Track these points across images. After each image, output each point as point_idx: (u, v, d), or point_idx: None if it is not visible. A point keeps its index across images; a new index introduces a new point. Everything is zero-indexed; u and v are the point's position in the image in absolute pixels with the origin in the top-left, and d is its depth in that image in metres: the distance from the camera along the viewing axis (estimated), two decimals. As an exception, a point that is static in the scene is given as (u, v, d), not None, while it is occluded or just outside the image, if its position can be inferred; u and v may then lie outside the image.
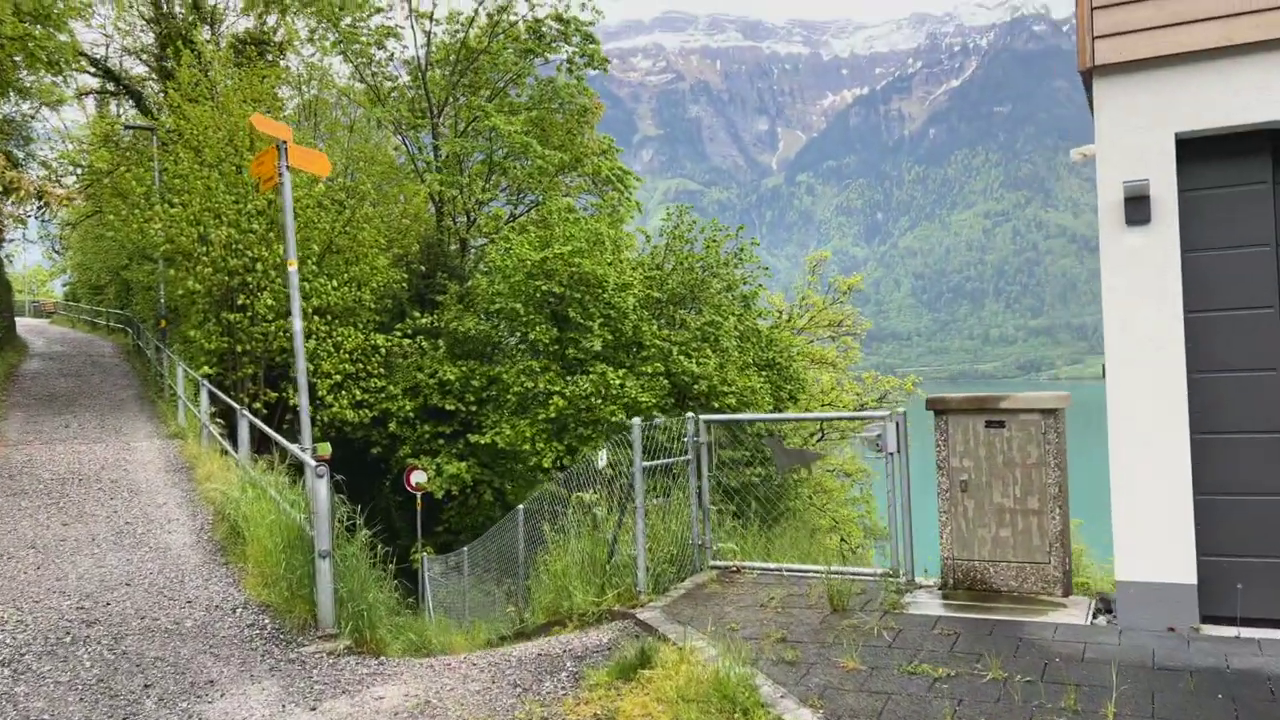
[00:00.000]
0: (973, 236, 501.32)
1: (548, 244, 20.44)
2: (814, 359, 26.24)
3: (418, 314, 21.86)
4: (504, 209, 25.92)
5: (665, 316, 21.39)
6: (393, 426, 20.58)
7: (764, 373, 21.22)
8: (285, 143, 8.69)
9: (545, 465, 19.35)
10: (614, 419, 18.91)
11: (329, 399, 19.26)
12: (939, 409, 7.06)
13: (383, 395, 20.41)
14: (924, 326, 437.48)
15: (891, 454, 7.36)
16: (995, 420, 6.88)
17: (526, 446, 19.39)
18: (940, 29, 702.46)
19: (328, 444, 9.27)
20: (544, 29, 25.75)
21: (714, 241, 21.58)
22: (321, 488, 7.15)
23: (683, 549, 8.20)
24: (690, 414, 8.12)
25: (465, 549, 15.62)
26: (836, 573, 7.29)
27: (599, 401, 19.21)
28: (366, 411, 20.06)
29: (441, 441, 20.98)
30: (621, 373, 19.32)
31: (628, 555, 7.78)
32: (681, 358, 19.59)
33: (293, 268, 8.88)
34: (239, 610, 7.66)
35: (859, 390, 31.81)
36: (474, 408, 20.88)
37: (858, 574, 7.42)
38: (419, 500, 20.82)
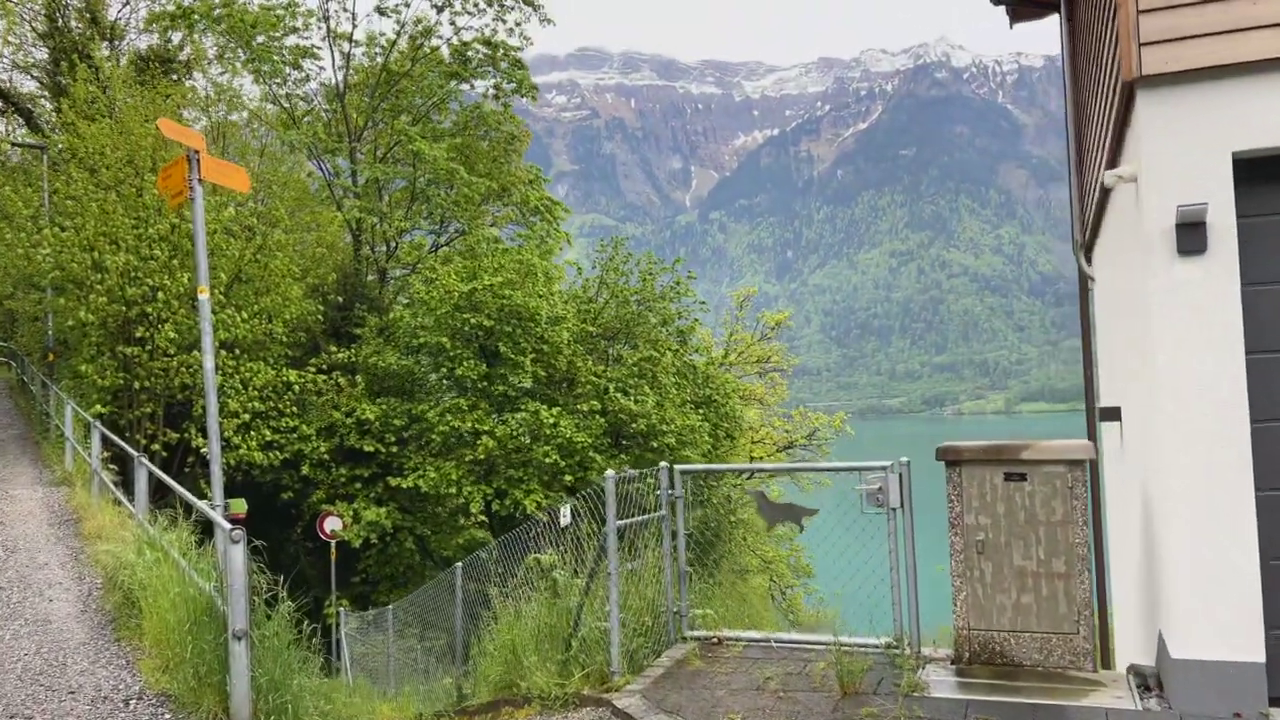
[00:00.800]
0: (879, 275, 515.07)
1: (475, 275, 19.38)
2: (742, 395, 25.65)
3: (334, 348, 20.50)
4: (426, 238, 24.74)
5: (599, 352, 20.49)
6: (306, 469, 19.12)
7: (700, 410, 20.45)
8: (197, 153, 7.56)
9: (474, 510, 18.17)
10: (548, 460, 17.88)
11: (236, 440, 17.74)
12: (951, 459, 6.31)
13: (295, 436, 18.95)
14: (833, 362, 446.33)
15: (894, 509, 6.60)
16: (1015, 473, 6.15)
17: (452, 490, 18.17)
18: (847, 74, 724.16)
19: (242, 501, 8.06)
20: (470, 53, 24.82)
21: (649, 274, 20.81)
22: (238, 555, 6.00)
23: (655, 618, 7.27)
24: (664, 464, 7.22)
25: (390, 608, 14.33)
26: (836, 645, 6.43)
27: (531, 442, 18.15)
28: (277, 453, 18.58)
29: (359, 485, 19.59)
30: (555, 411, 18.31)
31: (595, 628, 6.80)
32: (618, 395, 18.69)
33: (204, 295, 7.71)
34: (133, 702, 6.42)
35: (789, 427, 31.37)
36: (394, 449, 19.58)
37: (858, 646, 6.58)
38: (334, 549, 19.36)
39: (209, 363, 7.79)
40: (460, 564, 10.92)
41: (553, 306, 19.51)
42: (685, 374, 20.49)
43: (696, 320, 21.61)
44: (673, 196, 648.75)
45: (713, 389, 21.26)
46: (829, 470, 6.55)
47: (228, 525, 6.22)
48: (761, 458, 29.26)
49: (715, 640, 7.05)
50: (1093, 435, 11.01)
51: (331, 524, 19.15)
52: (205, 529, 8.13)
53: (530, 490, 17.99)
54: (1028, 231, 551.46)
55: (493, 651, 7.69)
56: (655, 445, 18.39)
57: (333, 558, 19.42)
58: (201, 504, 7.23)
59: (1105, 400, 10.54)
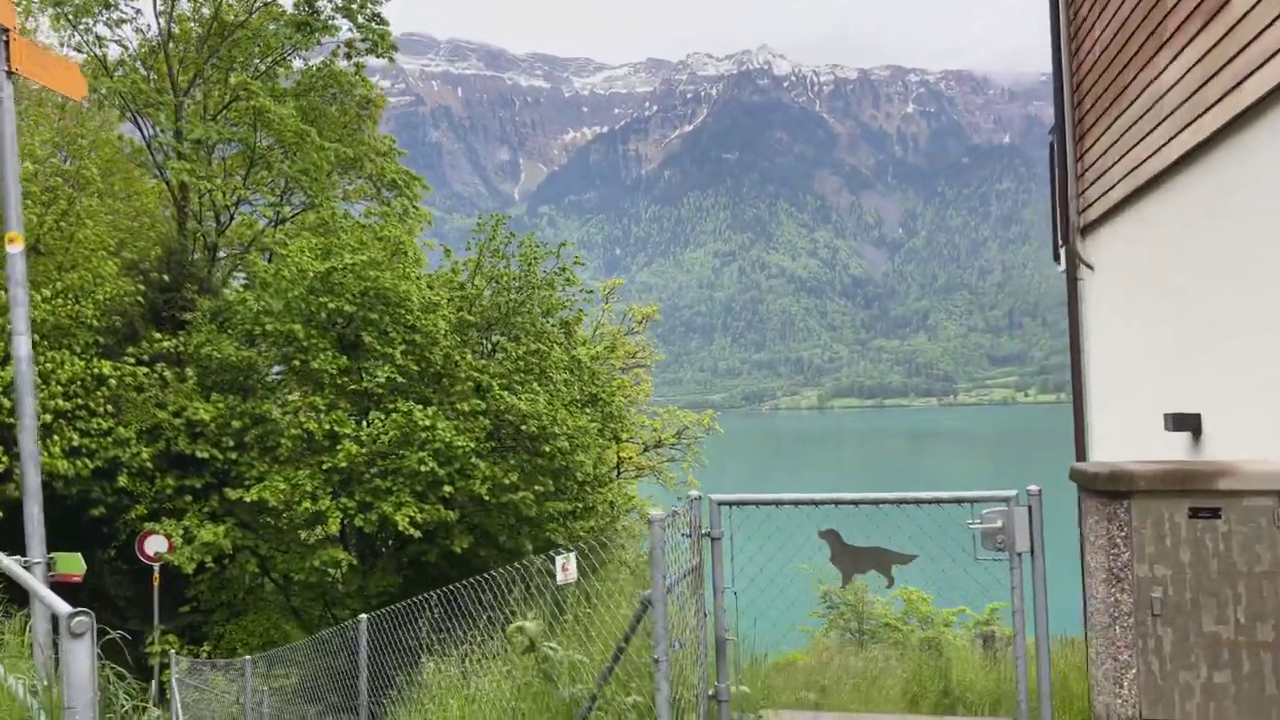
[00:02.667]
0: (703, 274, 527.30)
1: (332, 252, 16.70)
2: (625, 393, 23.94)
3: (157, 335, 17.26)
4: (269, 209, 21.56)
5: (472, 345, 18.19)
6: (123, 480, 15.89)
7: (588, 410, 18.54)
8: (7, 31, 5.04)
9: (332, 531, 15.57)
10: (423, 468, 15.49)
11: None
12: (1113, 489, 4.72)
13: (109, 440, 15.70)
14: (659, 358, 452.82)
15: (1020, 554, 4.98)
16: (1206, 508, 4.63)
17: (305, 504, 15.48)
18: (675, 76, 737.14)
19: (78, 557, 5.53)
20: (319, 3, 21.83)
21: (532, 259, 18.66)
22: (81, 658, 3.67)
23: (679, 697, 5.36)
24: (696, 494, 5.29)
25: (249, 659, 11.64)
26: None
27: (403, 447, 15.71)
28: (86, 461, 15.31)
29: (190, 498, 16.51)
30: (431, 411, 15.93)
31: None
32: (504, 393, 16.51)
33: (15, 246, 5.18)
34: None
35: (656, 425, 29.90)
36: (233, 455, 16.62)
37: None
38: (157, 574, 16.24)
39: (22, 346, 5.26)
40: (365, 617, 8.60)
41: (425, 291, 17.09)
42: (573, 369, 18.50)
43: (581, 311, 19.69)
44: (501, 188, 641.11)
45: (598, 386, 19.38)
46: (930, 502, 4.71)
47: (66, 609, 3.85)
48: (631, 457, 27.62)
49: (771, 732, 5.21)
50: (1081, 439, 9.92)
51: (154, 544, 16.03)
52: (12, 595, 5.58)
53: (402, 503, 15.54)
54: (840, 236, 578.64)
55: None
56: (547, 450, 16.33)
57: (155, 584, 16.28)
58: (9, 561, 4.74)
59: (1102, 404, 9.42)
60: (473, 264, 18.74)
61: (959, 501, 5.07)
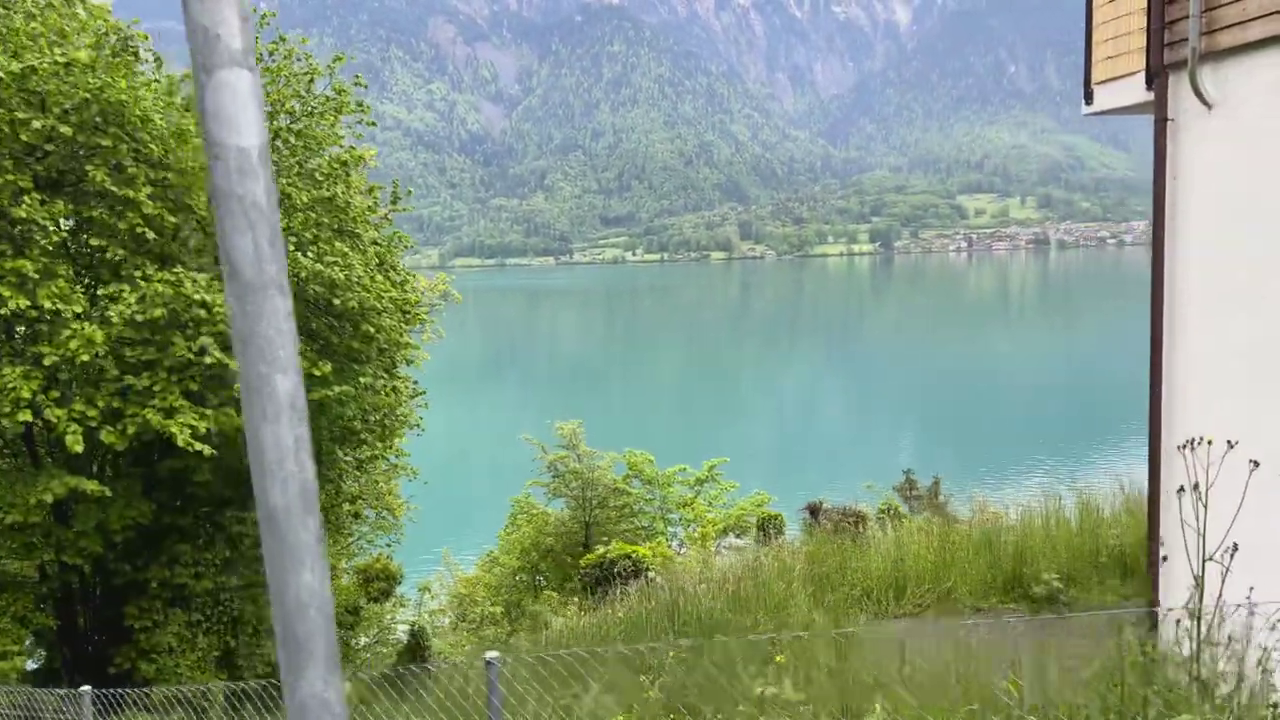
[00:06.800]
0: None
1: (25, 47, 11.18)
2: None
3: None
4: None
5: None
6: None
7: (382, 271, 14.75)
8: None
9: (74, 449, 10.88)
10: (207, 360, 11.16)
11: None
12: None
13: None
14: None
15: None
16: None
17: (22, 415, 10.62)
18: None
19: None
20: None
21: (310, 74, 14.01)
22: None
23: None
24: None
25: None
26: None
27: (168, 330, 11.23)
28: None
29: None
30: (205, 279, 11.48)
31: None
32: (299, 255, 12.35)
33: None
34: None
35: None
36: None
37: None
38: None
39: None
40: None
41: (178, 112, 12.16)
42: (363, 219, 14.46)
43: (367, 149, 15.34)
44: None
45: (383, 242, 15.54)
46: None
47: None
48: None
49: None
50: (1158, 338, 8.37)
51: None
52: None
53: (173, 407, 11.15)
54: (457, 89, 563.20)
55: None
56: (368, 330, 12.58)
57: None
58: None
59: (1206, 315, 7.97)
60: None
61: None
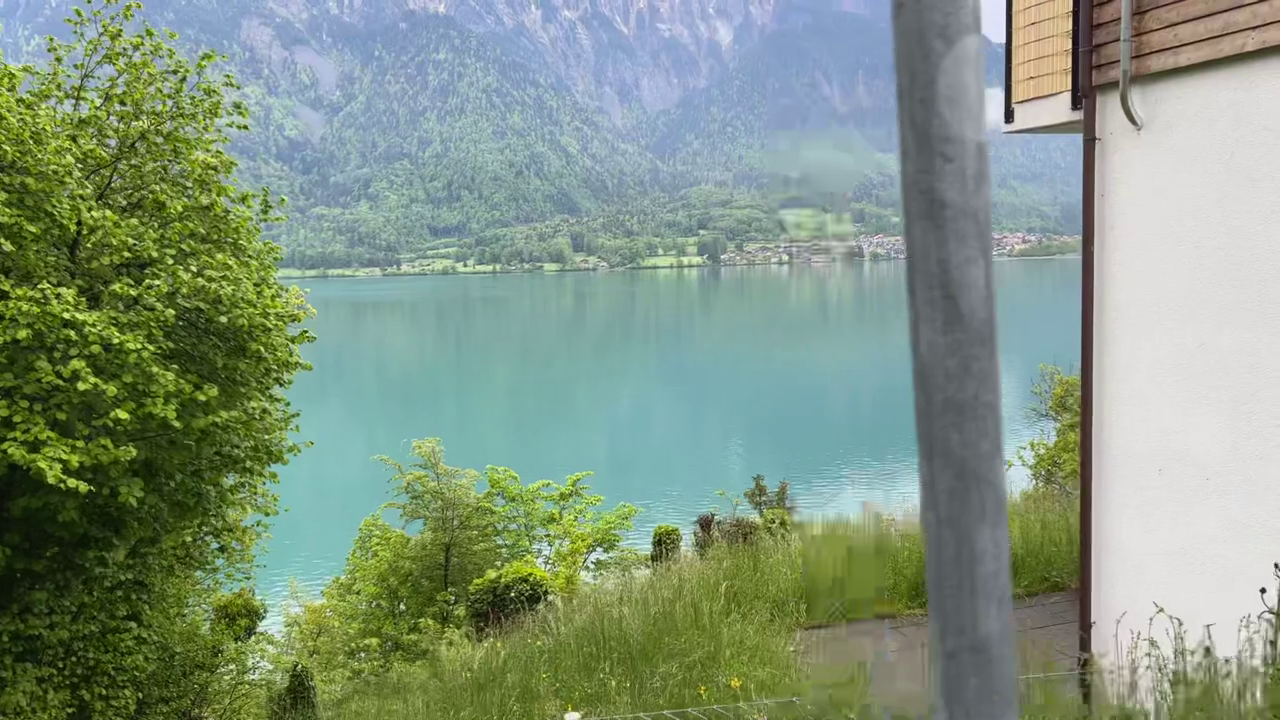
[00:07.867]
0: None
1: None
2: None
3: None
4: None
5: (109, 199, 12.22)
6: None
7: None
8: None
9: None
10: (79, 387, 9.95)
11: None
12: None
13: None
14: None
15: None
16: None
17: None
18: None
19: None
20: None
21: (180, 71, 12.80)
22: None
23: None
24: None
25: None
26: None
27: (32, 352, 9.97)
28: None
29: None
30: (72, 294, 10.26)
31: None
32: (178, 269, 11.24)
33: None
34: None
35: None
36: None
37: None
38: None
39: None
40: None
41: (25, 111, 10.84)
42: (245, 229, 13.35)
43: (229, 157, 14.12)
44: None
45: (255, 252, 14.42)
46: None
47: None
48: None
49: None
50: (1089, 351, 8.78)
51: None
52: None
53: (41, 440, 9.86)
54: (274, 94, 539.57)
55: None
56: (257, 350, 11.57)
57: None
58: None
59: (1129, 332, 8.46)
60: (78, 71, 12.35)
61: None
